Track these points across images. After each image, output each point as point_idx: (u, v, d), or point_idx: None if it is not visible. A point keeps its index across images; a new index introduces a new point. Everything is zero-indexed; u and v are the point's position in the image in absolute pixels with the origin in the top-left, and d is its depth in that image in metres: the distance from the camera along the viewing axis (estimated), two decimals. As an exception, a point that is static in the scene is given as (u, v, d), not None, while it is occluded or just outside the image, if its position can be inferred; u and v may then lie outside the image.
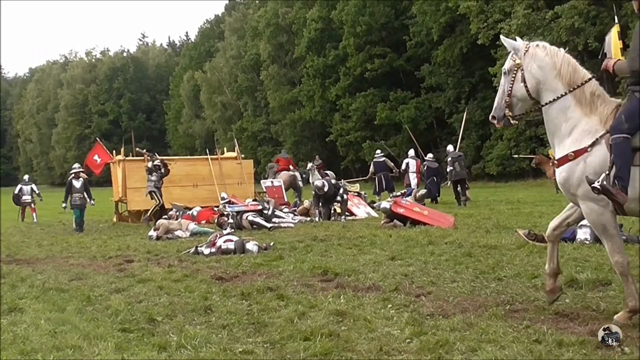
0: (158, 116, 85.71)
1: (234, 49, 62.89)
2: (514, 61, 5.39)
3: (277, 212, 15.82)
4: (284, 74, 54.05)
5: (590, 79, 5.18)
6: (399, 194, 17.82)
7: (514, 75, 5.37)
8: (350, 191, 18.19)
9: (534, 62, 5.31)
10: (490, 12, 34.35)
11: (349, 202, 16.70)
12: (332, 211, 16.21)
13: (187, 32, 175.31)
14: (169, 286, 7.33)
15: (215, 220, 15.23)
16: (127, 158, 20.20)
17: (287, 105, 52.43)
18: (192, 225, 14.27)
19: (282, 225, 14.70)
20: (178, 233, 13.61)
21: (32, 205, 23.72)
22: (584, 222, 8.98)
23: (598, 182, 4.83)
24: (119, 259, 10.27)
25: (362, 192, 20.15)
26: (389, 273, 7.49)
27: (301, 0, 51.36)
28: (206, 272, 8.35)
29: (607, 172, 4.85)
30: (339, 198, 16.06)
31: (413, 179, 20.91)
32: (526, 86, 5.31)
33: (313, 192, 16.61)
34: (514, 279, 6.74)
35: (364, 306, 5.82)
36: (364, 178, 23.72)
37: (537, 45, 5.39)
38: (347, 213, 16.18)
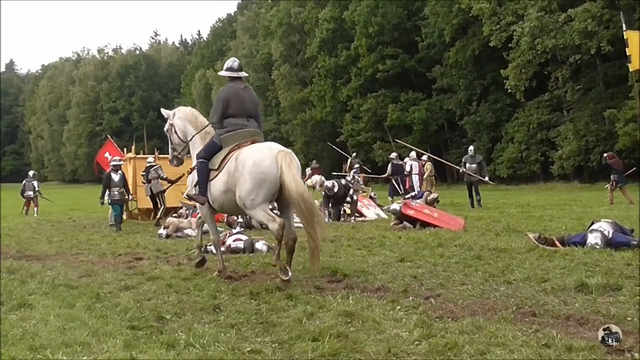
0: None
1: (245, 48, 63.05)
2: (169, 123, 8.45)
3: (287, 212, 15.82)
4: (295, 74, 54.11)
5: (207, 125, 8.05)
6: (408, 196, 17.82)
7: (170, 131, 8.44)
8: (360, 192, 18.22)
9: (177, 119, 8.38)
10: (503, 14, 34.22)
11: (358, 203, 16.70)
12: (341, 212, 16.21)
13: (199, 31, 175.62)
14: (178, 284, 7.33)
15: (225, 220, 15.25)
16: (138, 156, 20.27)
17: (298, 105, 52.48)
18: (202, 224, 14.26)
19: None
20: (188, 231, 13.63)
21: (35, 200, 24.53)
22: (595, 226, 9.02)
23: (185, 192, 7.82)
24: (128, 257, 10.29)
25: (373, 194, 20.18)
26: (398, 275, 7.47)
27: (313, 0, 51.39)
28: (215, 271, 8.35)
29: (194, 184, 7.75)
30: (348, 199, 16.07)
31: (416, 181, 20.86)
32: (178, 136, 8.37)
33: (323, 193, 16.62)
34: (524, 282, 6.70)
35: (372, 307, 5.80)
36: (382, 176, 23.89)
37: (179, 110, 8.53)
38: (356, 214, 16.18)
